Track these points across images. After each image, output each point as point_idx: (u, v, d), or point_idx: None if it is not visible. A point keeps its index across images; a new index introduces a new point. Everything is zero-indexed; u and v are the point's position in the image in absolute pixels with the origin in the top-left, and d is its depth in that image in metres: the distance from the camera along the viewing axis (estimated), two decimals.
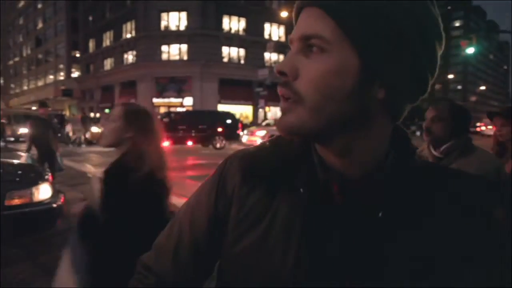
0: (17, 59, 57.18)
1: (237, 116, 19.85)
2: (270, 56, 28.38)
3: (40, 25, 48.43)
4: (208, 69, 25.67)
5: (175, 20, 26.91)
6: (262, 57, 28.02)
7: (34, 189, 3.25)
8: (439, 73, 0.51)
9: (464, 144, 1.60)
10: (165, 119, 14.79)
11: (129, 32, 29.21)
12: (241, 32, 27.88)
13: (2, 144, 13.24)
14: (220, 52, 27.03)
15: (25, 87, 54.28)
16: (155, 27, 26.77)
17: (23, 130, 14.07)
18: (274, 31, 29.35)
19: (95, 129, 15.34)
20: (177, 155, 12.93)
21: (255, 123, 22.47)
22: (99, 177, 1.36)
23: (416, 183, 0.49)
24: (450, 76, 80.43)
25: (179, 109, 23.18)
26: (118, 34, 30.45)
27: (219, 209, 0.57)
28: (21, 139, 14.06)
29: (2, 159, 5.80)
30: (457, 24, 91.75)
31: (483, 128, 34.78)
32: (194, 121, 14.71)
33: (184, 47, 26.59)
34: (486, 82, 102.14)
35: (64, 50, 42.43)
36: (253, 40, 27.54)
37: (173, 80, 26.23)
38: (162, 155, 1.43)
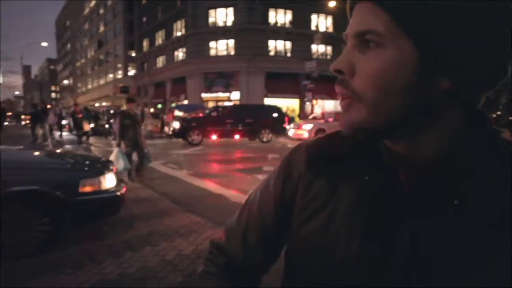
0: (83, 60, 63.13)
1: (284, 109, 19.80)
2: (318, 48, 27.75)
3: (101, 28, 52.56)
4: (255, 63, 25.85)
5: (223, 16, 27.43)
6: (309, 49, 27.50)
7: (101, 178, 3.60)
8: None
9: None
10: (213, 113, 15.32)
11: (179, 30, 30.41)
12: (287, 25, 27.59)
13: (81, 138, 14.64)
14: (267, 46, 27.04)
15: (90, 86, 59.56)
16: (203, 24, 27.55)
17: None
18: (321, 22, 28.59)
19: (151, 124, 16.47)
20: (225, 148, 13.32)
21: (301, 117, 22.24)
22: None
23: (495, 168, 0.46)
24: None
25: (227, 103, 23.74)
26: (169, 33, 31.89)
27: (285, 195, 0.59)
28: (89, 133, 15.42)
29: (73, 152, 6.42)
30: None
31: None
32: (241, 115, 14.91)
33: (231, 42, 27.04)
34: None
35: (122, 51, 45.54)
36: (299, 33, 27.12)
37: (221, 75, 26.86)
38: None
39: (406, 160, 0.48)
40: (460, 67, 0.43)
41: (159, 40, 34.38)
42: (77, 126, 14.20)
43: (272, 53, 27.51)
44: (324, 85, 18.76)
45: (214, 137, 14.30)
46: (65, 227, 3.42)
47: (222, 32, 27.12)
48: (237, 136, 14.70)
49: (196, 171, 7.96)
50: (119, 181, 3.99)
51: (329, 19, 28.49)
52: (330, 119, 16.22)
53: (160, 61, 34.47)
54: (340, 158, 0.55)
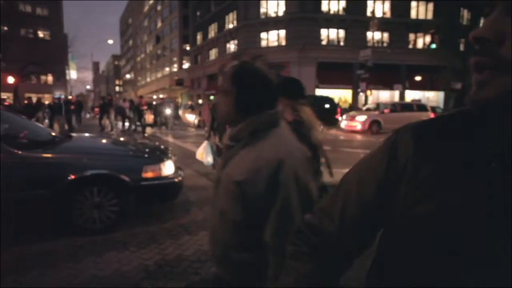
0: (142, 55, 67.34)
1: (336, 100, 19.23)
2: (373, 35, 26.32)
3: (159, 24, 55.42)
4: (306, 53, 25.35)
5: (274, 6, 27.21)
6: (364, 37, 26.18)
7: (161, 165, 3.83)
8: None
9: None
10: None
11: (231, 22, 30.85)
12: (341, 12, 26.54)
13: (133, 127, 15.77)
14: (319, 35, 26.32)
15: (148, 79, 63.35)
16: (255, 15, 27.60)
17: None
18: (378, 7, 27.01)
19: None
20: None
21: (355, 108, 21.40)
22: None
23: None
24: None
25: None
26: (221, 26, 32.51)
27: (389, 177, 0.57)
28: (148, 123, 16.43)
29: (132, 140, 6.85)
30: None
31: None
32: None
33: (282, 32, 26.78)
34: None
35: (177, 45, 47.60)
36: (354, 19, 25.93)
37: (272, 66, 26.65)
38: None
39: None
40: None
41: (211, 33, 35.24)
42: (140, 118, 15.22)
43: (324, 42, 26.72)
44: (379, 74, 17.77)
45: None
46: (129, 209, 3.71)
47: (273, 23, 26.95)
48: None
49: None
50: (177, 168, 4.20)
51: (387, 4, 26.79)
52: (386, 110, 15.34)
53: (213, 53, 35.36)
54: (454, 142, 0.51)
